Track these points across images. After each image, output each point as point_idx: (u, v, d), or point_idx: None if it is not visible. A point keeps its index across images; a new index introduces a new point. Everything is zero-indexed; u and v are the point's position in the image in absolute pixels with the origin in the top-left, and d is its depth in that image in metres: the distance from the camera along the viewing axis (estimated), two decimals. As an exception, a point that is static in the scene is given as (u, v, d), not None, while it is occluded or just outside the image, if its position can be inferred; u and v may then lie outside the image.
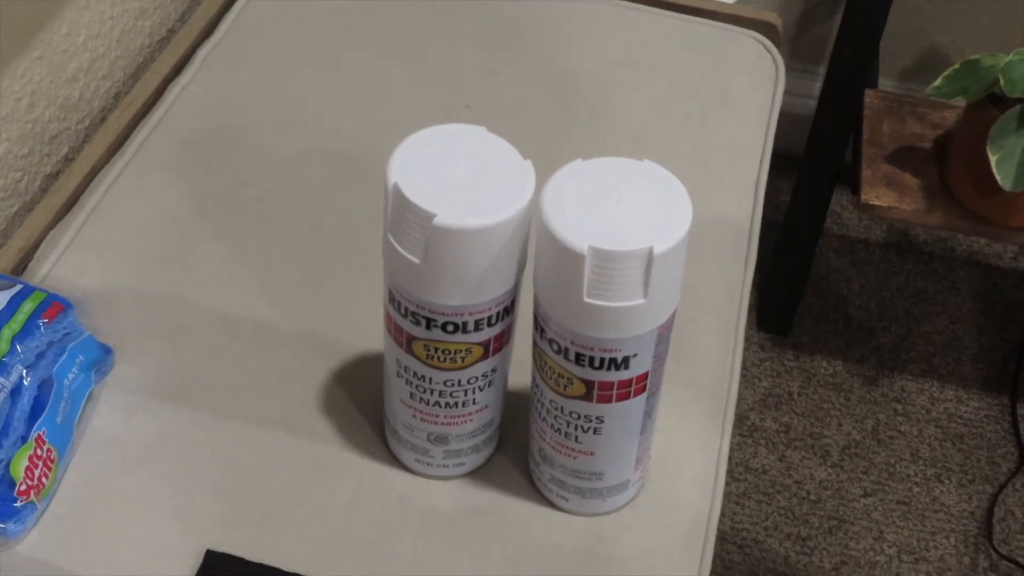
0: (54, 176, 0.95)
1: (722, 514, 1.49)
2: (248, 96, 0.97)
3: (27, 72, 0.89)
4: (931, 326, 1.71)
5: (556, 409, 0.66)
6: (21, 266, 0.84)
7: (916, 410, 1.61)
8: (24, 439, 0.68)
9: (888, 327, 1.71)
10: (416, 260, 0.60)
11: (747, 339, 1.69)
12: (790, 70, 1.84)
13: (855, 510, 1.50)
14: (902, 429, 1.59)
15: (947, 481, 1.54)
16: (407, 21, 1.04)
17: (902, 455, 1.56)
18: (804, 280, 1.66)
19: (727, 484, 1.52)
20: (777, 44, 1.07)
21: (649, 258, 0.57)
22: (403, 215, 0.60)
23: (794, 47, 1.83)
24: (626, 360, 0.62)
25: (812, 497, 1.52)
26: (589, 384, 0.63)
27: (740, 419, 1.59)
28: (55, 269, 0.83)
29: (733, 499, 1.51)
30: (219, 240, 0.86)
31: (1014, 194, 1.23)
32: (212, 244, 0.86)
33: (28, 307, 0.70)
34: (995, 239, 1.34)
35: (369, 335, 0.79)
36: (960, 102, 1.30)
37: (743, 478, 1.53)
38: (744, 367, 1.65)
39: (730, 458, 1.54)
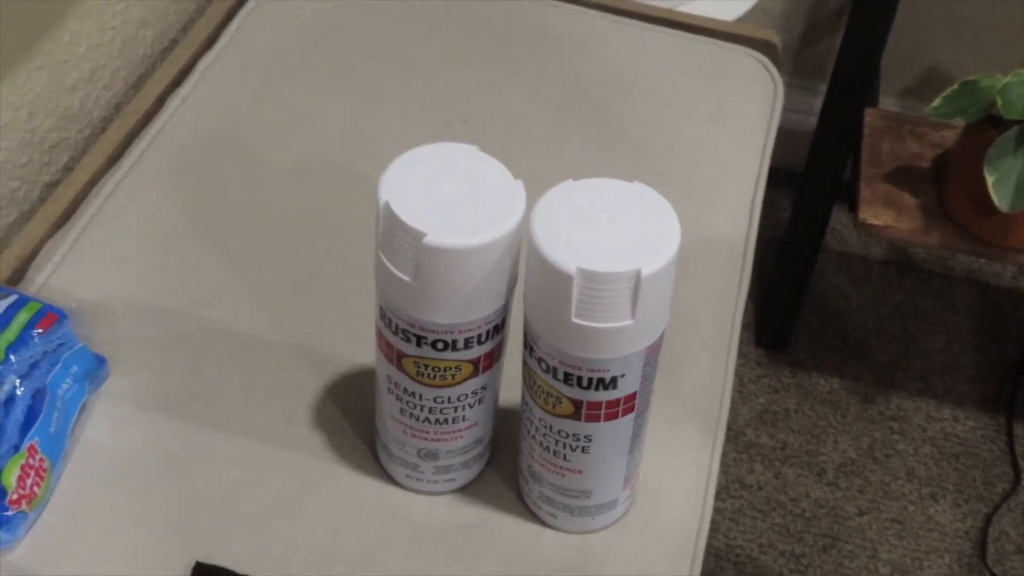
0: (52, 185, 0.96)
1: (716, 530, 1.49)
2: (247, 108, 0.97)
3: (27, 82, 0.90)
4: (929, 344, 1.71)
5: (545, 427, 0.66)
6: (18, 275, 0.85)
7: (912, 429, 1.61)
8: (17, 448, 0.68)
9: (886, 345, 1.71)
10: (407, 278, 0.60)
11: (744, 355, 1.69)
12: (792, 87, 1.85)
13: (850, 528, 1.51)
14: (898, 447, 1.59)
15: (942, 500, 1.54)
16: (407, 35, 1.05)
17: (898, 474, 1.56)
18: (802, 296, 1.67)
19: (722, 501, 1.52)
20: (776, 62, 1.08)
21: (637, 280, 0.57)
22: (394, 233, 0.60)
23: (796, 64, 1.83)
24: (614, 380, 0.62)
25: (807, 515, 1.52)
26: (577, 403, 0.63)
27: (736, 435, 1.59)
28: (52, 279, 0.84)
29: (728, 515, 1.51)
30: (215, 252, 0.86)
31: (1011, 215, 1.23)
32: (208, 256, 0.86)
33: (23, 317, 0.71)
34: (992, 259, 1.34)
35: (362, 349, 0.79)
36: (959, 122, 1.31)
37: (738, 495, 1.53)
38: (741, 383, 1.66)
39: (725, 474, 1.54)
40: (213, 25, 1.05)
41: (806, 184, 1.56)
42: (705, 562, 1.45)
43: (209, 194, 0.90)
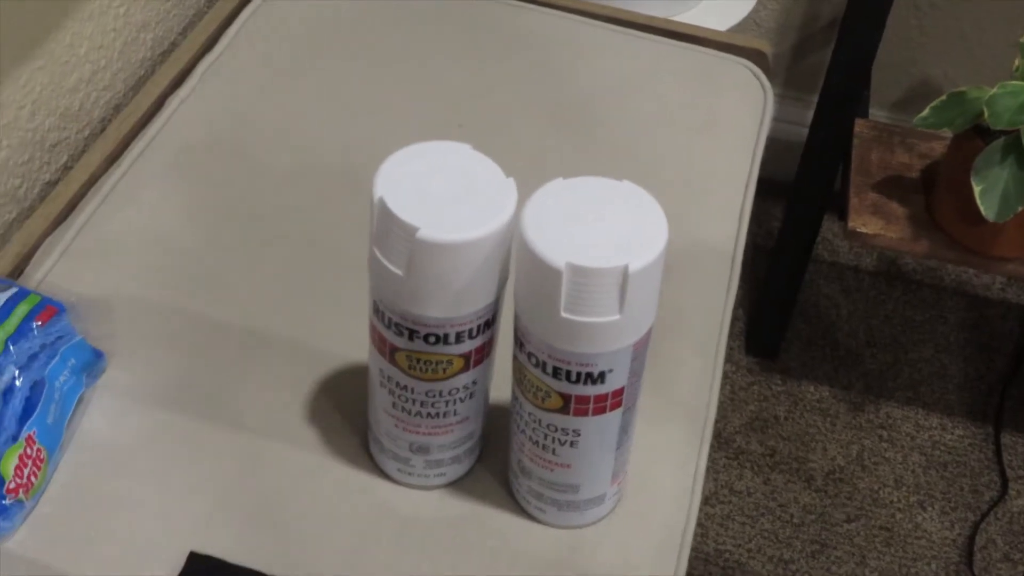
0: (52, 184, 0.97)
1: (706, 535, 1.50)
2: (244, 110, 0.99)
3: (29, 81, 0.91)
4: (918, 354, 1.73)
5: (535, 422, 0.67)
6: (17, 271, 0.86)
7: (901, 437, 1.62)
8: (15, 438, 0.70)
9: (875, 354, 1.72)
10: (400, 272, 0.62)
11: (735, 363, 1.70)
12: (784, 98, 1.87)
13: (838, 535, 1.52)
14: (887, 455, 1.60)
15: (930, 508, 1.55)
16: (404, 40, 1.06)
17: (886, 481, 1.58)
18: (793, 305, 1.68)
19: (712, 506, 1.53)
20: (767, 72, 1.09)
21: (624, 275, 0.59)
22: (388, 228, 0.61)
23: (788, 75, 1.85)
24: (602, 375, 0.63)
25: (796, 521, 1.53)
26: (566, 398, 0.65)
27: (726, 442, 1.60)
28: (50, 275, 0.85)
29: (717, 521, 1.52)
30: (211, 250, 0.88)
31: (997, 224, 1.24)
32: (204, 254, 0.87)
33: (22, 310, 0.72)
34: (978, 268, 1.36)
35: (355, 346, 0.81)
36: (947, 133, 1.32)
37: (728, 500, 1.54)
38: (732, 390, 1.67)
39: (715, 480, 1.55)
40: (212, 29, 1.06)
41: (797, 193, 1.58)
42: (694, 567, 1.47)
43: (206, 194, 0.92)
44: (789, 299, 1.66)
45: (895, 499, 1.56)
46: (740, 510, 1.53)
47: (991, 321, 1.78)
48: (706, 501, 1.54)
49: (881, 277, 1.83)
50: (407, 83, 1.03)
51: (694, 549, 1.48)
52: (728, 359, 1.70)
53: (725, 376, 1.68)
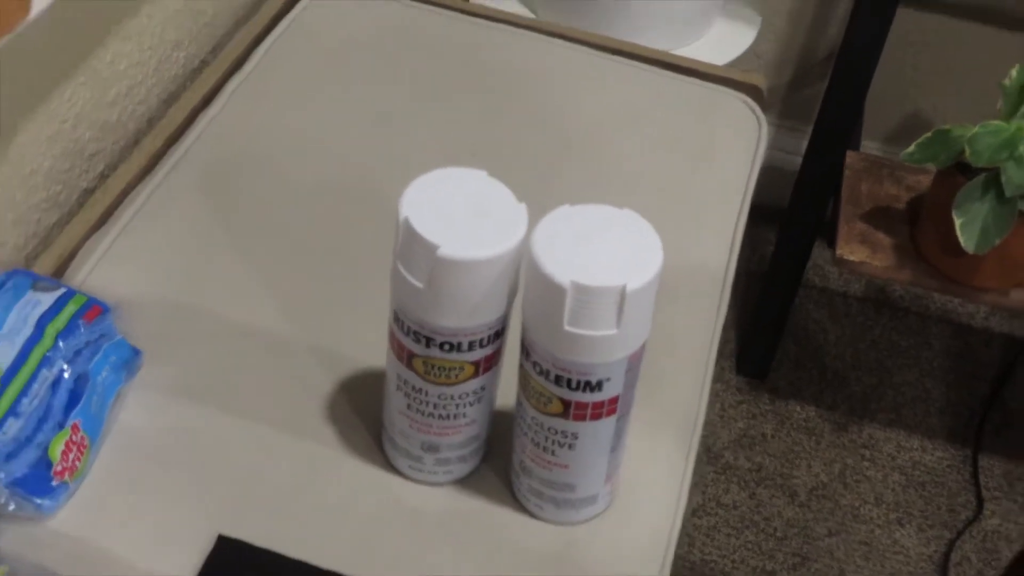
0: (90, 191, 1.04)
1: (692, 545, 1.57)
2: (271, 127, 1.05)
3: (73, 95, 0.98)
4: (902, 378, 1.79)
5: (536, 425, 0.74)
6: (59, 272, 0.93)
7: (882, 457, 1.69)
8: (61, 426, 0.76)
9: (861, 377, 1.79)
10: (420, 285, 0.68)
11: (726, 382, 1.77)
12: (781, 128, 1.94)
13: (819, 548, 1.58)
14: (868, 474, 1.67)
15: (908, 525, 1.62)
16: (422, 68, 1.13)
17: (867, 498, 1.64)
18: (783, 328, 1.75)
19: (699, 518, 1.59)
20: (762, 105, 1.16)
21: (622, 294, 0.65)
22: (411, 245, 0.68)
23: (785, 106, 1.92)
24: (600, 383, 0.70)
25: (779, 534, 1.59)
26: (567, 403, 0.71)
27: (715, 457, 1.67)
28: (89, 278, 0.91)
29: (703, 531, 1.58)
30: (239, 258, 0.94)
31: (977, 256, 1.31)
32: (232, 261, 0.94)
33: (71, 308, 0.78)
34: (959, 296, 1.43)
35: (370, 352, 0.87)
36: (933, 168, 1.39)
37: (715, 512, 1.61)
38: (722, 408, 1.74)
39: (703, 493, 1.62)
40: (241, 49, 1.13)
41: (790, 221, 1.65)
42: (680, 575, 1.53)
43: (234, 205, 0.98)
44: (779, 322, 1.73)
45: (875, 515, 1.62)
46: (726, 522, 1.60)
47: (974, 349, 1.85)
48: (694, 513, 1.60)
49: (869, 303, 1.90)
50: (424, 107, 1.09)
51: (681, 558, 1.55)
52: (719, 378, 1.77)
53: (716, 394, 1.75)
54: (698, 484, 1.63)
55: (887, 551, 1.58)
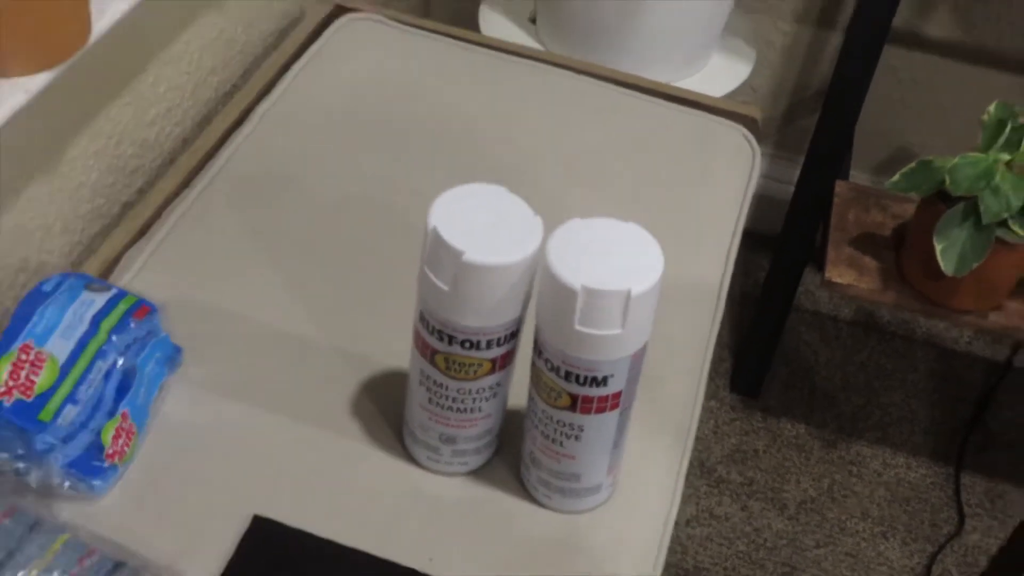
0: (130, 204, 1.11)
1: (685, 554, 1.64)
2: (298, 148, 1.13)
3: (118, 115, 1.06)
4: (889, 399, 1.87)
5: (547, 418, 0.81)
6: (104, 276, 1.00)
7: (869, 473, 1.76)
8: (112, 413, 0.83)
9: (849, 397, 1.87)
10: (445, 288, 0.76)
11: (720, 400, 1.85)
12: (775, 157, 2.02)
13: (807, 559, 1.65)
14: (855, 489, 1.74)
15: (892, 539, 1.69)
16: (441, 94, 1.21)
17: (853, 512, 1.71)
18: (775, 349, 1.82)
19: (693, 528, 1.67)
20: (757, 135, 1.24)
21: (627, 298, 0.73)
22: (437, 251, 0.76)
23: (779, 137, 2.00)
24: (605, 379, 0.77)
25: (769, 545, 1.66)
26: (575, 397, 0.79)
27: (709, 471, 1.74)
28: (132, 284, 0.99)
29: (697, 541, 1.65)
30: (270, 267, 1.02)
31: (956, 280, 1.39)
32: (264, 270, 1.01)
33: (122, 307, 0.86)
34: (940, 318, 1.50)
35: (392, 353, 0.95)
36: (916, 196, 1.47)
37: (708, 523, 1.68)
38: (716, 424, 1.81)
39: (697, 505, 1.69)
40: (270, 76, 1.21)
41: (782, 246, 1.72)
42: (674, 581, 1.60)
43: (265, 219, 1.06)
44: (772, 344, 1.81)
45: (861, 529, 1.69)
46: (719, 533, 1.67)
47: (958, 371, 1.93)
48: (687, 523, 1.67)
49: (858, 327, 1.98)
50: (442, 131, 1.17)
51: (675, 565, 1.62)
52: (714, 396, 1.84)
53: (710, 411, 1.82)
54: (692, 496, 1.70)
55: (872, 563, 1.65)
